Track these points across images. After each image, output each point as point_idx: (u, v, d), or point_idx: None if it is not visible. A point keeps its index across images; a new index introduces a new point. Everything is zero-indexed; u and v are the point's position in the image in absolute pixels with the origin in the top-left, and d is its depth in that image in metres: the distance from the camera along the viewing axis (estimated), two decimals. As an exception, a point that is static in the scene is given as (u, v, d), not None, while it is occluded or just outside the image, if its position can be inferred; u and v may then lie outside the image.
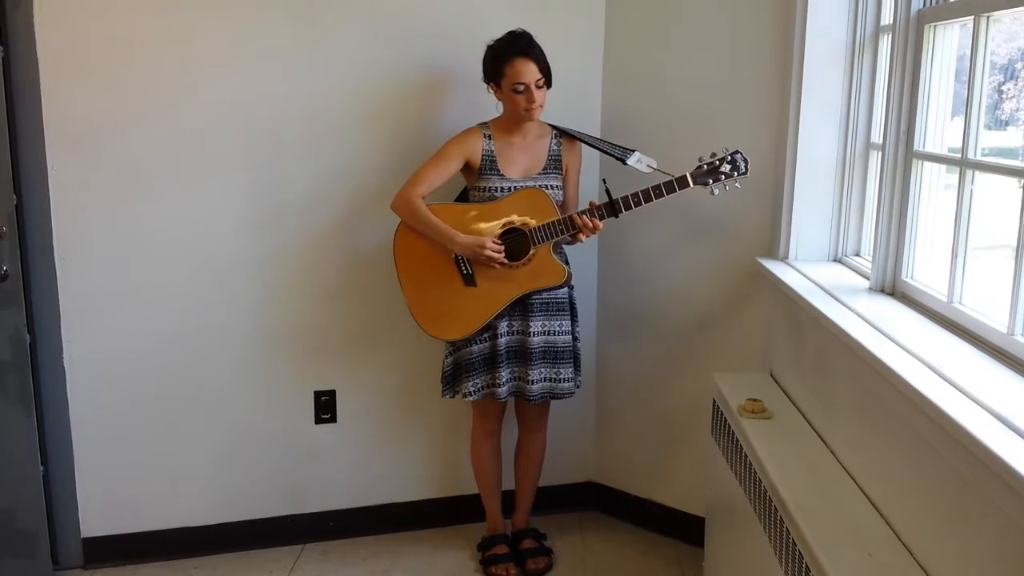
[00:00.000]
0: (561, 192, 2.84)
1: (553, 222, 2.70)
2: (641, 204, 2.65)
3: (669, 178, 2.64)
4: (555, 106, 2.82)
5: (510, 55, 2.68)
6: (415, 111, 3.02)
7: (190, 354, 3.01)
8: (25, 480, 2.82)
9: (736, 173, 2.65)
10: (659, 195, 2.63)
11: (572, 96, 3.04)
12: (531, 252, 2.73)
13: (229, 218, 2.96)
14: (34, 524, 2.85)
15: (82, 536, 3.02)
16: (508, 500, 3.14)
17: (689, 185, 2.64)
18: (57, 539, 2.97)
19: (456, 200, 2.89)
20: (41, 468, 2.86)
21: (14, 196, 2.71)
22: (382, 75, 2.98)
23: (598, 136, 3.03)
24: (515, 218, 2.74)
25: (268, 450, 3.13)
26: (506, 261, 2.72)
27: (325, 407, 3.16)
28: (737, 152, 2.65)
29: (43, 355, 2.88)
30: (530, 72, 2.67)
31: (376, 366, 3.18)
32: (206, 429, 3.07)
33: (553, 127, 2.86)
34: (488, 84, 2.77)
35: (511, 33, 2.72)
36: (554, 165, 2.83)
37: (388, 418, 3.23)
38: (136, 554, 3.07)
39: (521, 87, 2.67)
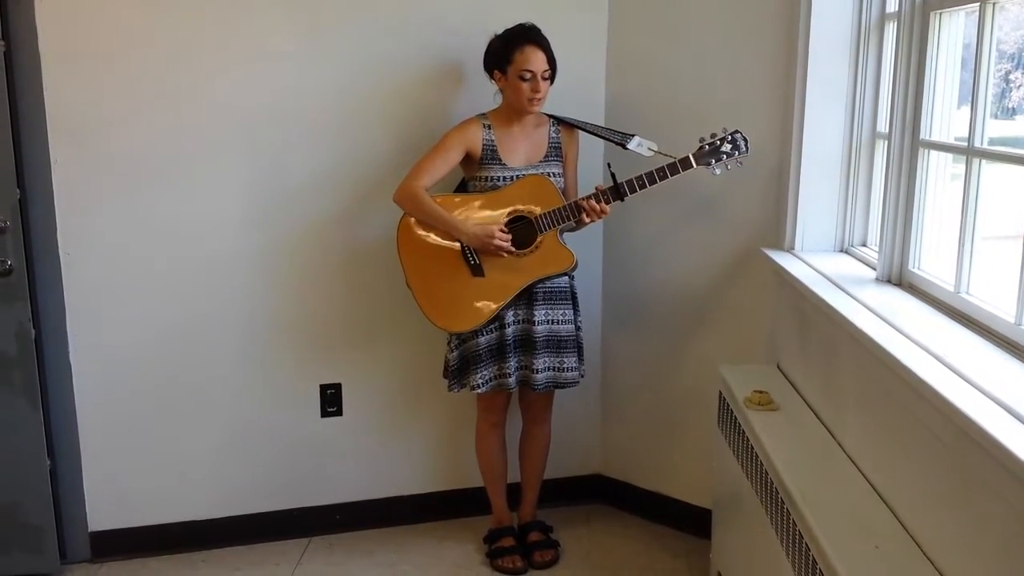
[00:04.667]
0: (562, 179, 2.84)
1: (559, 208, 2.70)
2: (646, 187, 2.66)
3: (672, 160, 2.65)
4: (559, 93, 2.80)
5: (521, 42, 2.68)
6: (417, 102, 3.01)
7: (197, 347, 3.01)
8: (32, 474, 2.84)
9: (737, 152, 2.67)
10: (663, 177, 2.65)
11: (576, 83, 3.01)
12: (538, 240, 2.73)
13: (233, 210, 2.95)
14: (41, 518, 2.87)
15: (89, 530, 3.02)
16: (514, 493, 3.14)
17: (692, 166, 2.65)
18: (64, 533, 2.98)
19: (454, 192, 2.89)
20: (48, 462, 2.87)
21: (17, 190, 2.71)
22: (384, 65, 2.96)
23: (601, 124, 3.01)
24: (520, 206, 2.73)
25: (275, 443, 3.14)
26: (514, 250, 2.72)
27: (331, 400, 3.16)
28: (737, 131, 2.67)
29: (48, 349, 2.88)
30: (539, 61, 2.67)
31: (382, 359, 3.17)
32: (213, 422, 3.07)
33: (550, 116, 2.85)
34: (491, 72, 2.76)
35: (521, 24, 2.73)
36: (555, 152, 2.83)
37: (394, 411, 3.23)
38: (143, 547, 3.07)
39: (528, 74, 2.67)
